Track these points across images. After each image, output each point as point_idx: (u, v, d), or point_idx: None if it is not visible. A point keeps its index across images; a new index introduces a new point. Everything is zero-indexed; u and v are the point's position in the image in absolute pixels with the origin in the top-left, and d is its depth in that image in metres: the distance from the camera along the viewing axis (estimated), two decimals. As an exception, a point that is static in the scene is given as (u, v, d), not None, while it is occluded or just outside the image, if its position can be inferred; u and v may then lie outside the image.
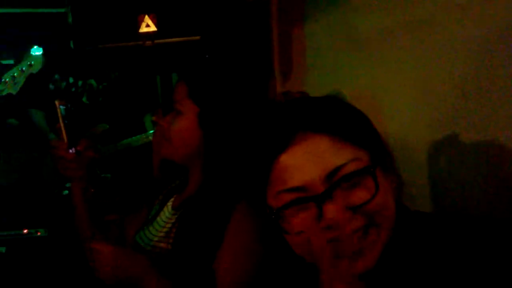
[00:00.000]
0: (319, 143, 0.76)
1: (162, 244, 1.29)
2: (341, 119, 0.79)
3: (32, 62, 2.31)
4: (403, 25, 1.37)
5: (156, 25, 3.33)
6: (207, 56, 2.31)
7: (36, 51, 2.35)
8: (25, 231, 3.45)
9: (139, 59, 3.35)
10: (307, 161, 0.76)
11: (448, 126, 1.21)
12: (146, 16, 3.36)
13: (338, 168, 0.75)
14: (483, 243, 0.76)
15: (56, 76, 2.93)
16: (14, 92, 2.28)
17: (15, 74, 2.28)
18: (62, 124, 1.43)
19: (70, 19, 3.07)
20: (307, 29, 1.93)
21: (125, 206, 1.58)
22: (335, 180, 0.75)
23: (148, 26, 3.41)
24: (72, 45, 3.01)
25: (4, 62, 3.76)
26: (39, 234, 3.44)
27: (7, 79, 2.26)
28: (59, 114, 1.43)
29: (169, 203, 1.40)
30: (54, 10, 4.01)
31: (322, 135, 0.77)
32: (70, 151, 1.42)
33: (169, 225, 1.31)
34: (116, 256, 1.19)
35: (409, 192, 1.33)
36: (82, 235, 1.48)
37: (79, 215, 1.48)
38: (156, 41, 3.26)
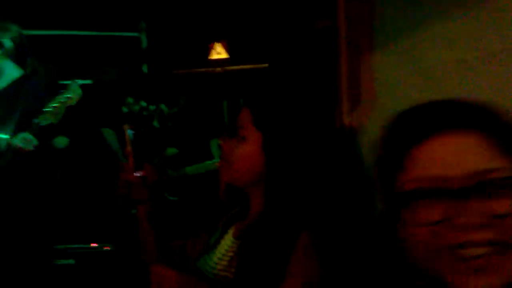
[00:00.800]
0: (469, 141, 0.72)
1: (224, 273, 1.30)
2: (495, 121, 0.74)
3: (71, 95, 2.49)
4: (477, 58, 1.32)
5: (227, 52, 3.41)
6: (274, 83, 2.35)
7: (75, 85, 2.54)
8: (93, 245, 3.59)
9: (209, 85, 3.44)
10: (452, 156, 0.71)
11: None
12: (217, 43, 3.45)
13: (485, 171, 0.69)
14: None
15: (130, 100, 3.06)
16: (55, 122, 2.44)
17: (56, 105, 2.45)
18: (129, 148, 1.49)
19: (143, 44, 3.20)
20: (376, 59, 1.90)
21: (189, 230, 1.61)
22: (480, 181, 0.69)
23: (218, 53, 3.50)
24: (145, 70, 3.14)
25: (81, 82, 3.99)
26: (106, 249, 3.57)
27: (49, 110, 2.43)
28: (127, 138, 1.49)
29: (230, 231, 1.40)
30: (128, 34, 4.21)
31: (472, 134, 0.72)
32: (136, 174, 1.48)
33: (231, 254, 1.32)
34: (178, 282, 1.21)
35: None
36: (145, 256, 1.51)
37: (144, 236, 1.51)
38: (226, 68, 3.33)
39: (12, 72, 2.61)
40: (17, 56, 2.61)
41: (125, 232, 3.14)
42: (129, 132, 1.51)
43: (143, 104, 3.08)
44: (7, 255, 2.54)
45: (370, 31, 1.91)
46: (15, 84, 2.59)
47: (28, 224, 2.63)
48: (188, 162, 3.05)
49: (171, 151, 3.21)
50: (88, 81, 3.88)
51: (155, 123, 3.15)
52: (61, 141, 2.67)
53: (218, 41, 3.39)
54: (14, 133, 2.46)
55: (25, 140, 2.43)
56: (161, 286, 1.23)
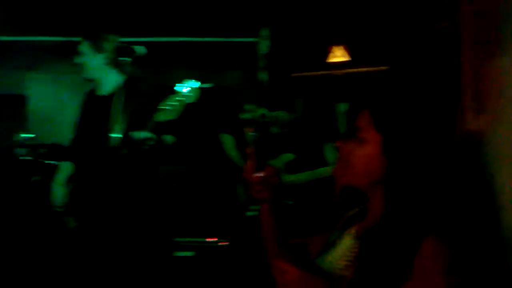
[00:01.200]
0: None
1: (344, 273, 1.33)
2: None
3: (190, 94, 2.57)
4: None
5: (346, 55, 3.40)
6: (395, 85, 2.32)
7: (194, 84, 2.62)
8: (211, 239, 3.80)
9: (328, 88, 3.46)
10: None
11: None
12: (336, 46, 3.46)
13: None
14: None
15: (250, 106, 3.18)
16: (173, 118, 2.55)
17: (174, 103, 2.56)
18: (250, 149, 1.59)
19: (265, 50, 3.29)
20: (505, 63, 1.81)
21: (308, 229, 1.66)
22: None
23: (338, 56, 3.51)
24: (265, 76, 3.24)
25: (203, 86, 4.24)
26: (222, 244, 3.76)
27: (167, 107, 2.55)
28: (248, 140, 1.60)
29: (350, 231, 1.43)
30: (249, 40, 4.37)
31: None
32: (256, 174, 1.57)
33: (351, 254, 1.35)
34: (300, 278, 1.27)
35: None
36: (267, 251, 1.60)
37: (266, 233, 1.60)
38: (345, 70, 3.33)
39: (116, 78, 2.86)
40: (118, 63, 2.85)
41: (242, 228, 3.28)
42: (251, 135, 1.62)
43: (263, 111, 3.18)
44: (129, 247, 2.76)
45: (499, 32, 1.82)
46: (119, 89, 2.83)
47: (150, 217, 2.83)
48: (303, 167, 3.11)
49: (288, 156, 3.29)
50: (208, 85, 4.09)
51: (273, 129, 3.24)
52: (168, 138, 2.82)
53: (337, 45, 3.40)
54: (126, 133, 2.65)
55: (143, 138, 2.60)
56: (284, 280, 1.29)
